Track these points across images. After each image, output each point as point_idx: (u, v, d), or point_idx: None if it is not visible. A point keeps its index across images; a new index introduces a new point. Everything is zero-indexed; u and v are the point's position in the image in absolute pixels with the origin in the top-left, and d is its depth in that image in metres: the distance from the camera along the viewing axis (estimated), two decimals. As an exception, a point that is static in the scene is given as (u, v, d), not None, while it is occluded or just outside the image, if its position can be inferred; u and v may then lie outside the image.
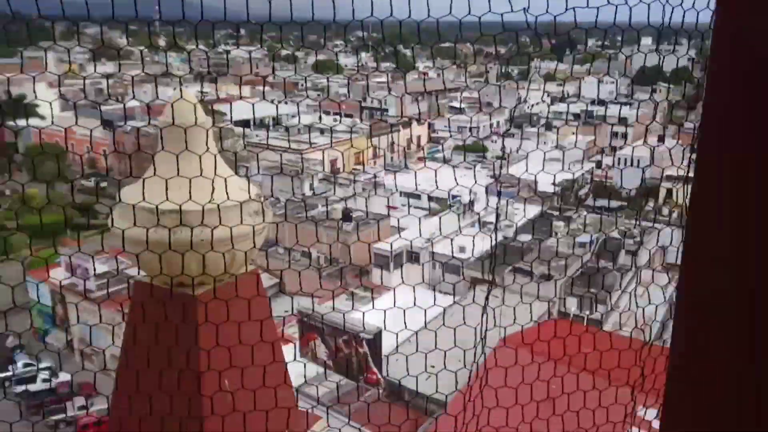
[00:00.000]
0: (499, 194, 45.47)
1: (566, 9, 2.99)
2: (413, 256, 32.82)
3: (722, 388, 1.37)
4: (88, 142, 69.80)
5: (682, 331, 1.49)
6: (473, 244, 33.34)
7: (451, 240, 32.99)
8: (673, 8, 3.04)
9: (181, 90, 3.37)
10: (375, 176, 53.19)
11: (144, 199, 3.05)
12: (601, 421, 3.77)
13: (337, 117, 79.57)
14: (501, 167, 55.43)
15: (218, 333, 3.15)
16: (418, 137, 76.13)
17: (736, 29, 1.31)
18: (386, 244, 32.79)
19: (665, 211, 46.33)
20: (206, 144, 3.24)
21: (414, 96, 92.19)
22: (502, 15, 3.08)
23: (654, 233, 33.71)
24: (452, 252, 31.47)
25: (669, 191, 48.72)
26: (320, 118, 76.79)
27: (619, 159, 57.94)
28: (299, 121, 74.70)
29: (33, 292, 36.24)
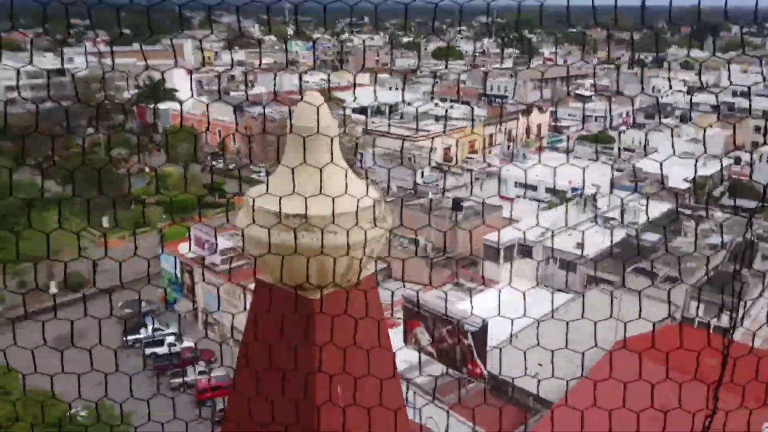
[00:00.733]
0: (624, 189, 43.15)
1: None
2: (526, 250, 31.96)
3: None
4: (219, 125, 74.59)
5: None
6: (592, 241, 31.90)
7: (569, 235, 31.75)
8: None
9: (300, 86, 3.42)
10: (489, 165, 52.31)
11: (268, 194, 3.14)
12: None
13: (454, 104, 79.02)
14: (628, 160, 52.55)
15: (334, 337, 3.20)
16: (539, 126, 73.71)
17: None
18: (497, 236, 32.17)
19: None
20: (331, 149, 3.25)
21: (537, 83, 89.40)
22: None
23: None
24: (569, 248, 30.29)
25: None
26: (436, 104, 76.64)
27: (761, 156, 52.79)
28: (415, 109, 74.91)
29: (165, 263, 39.48)
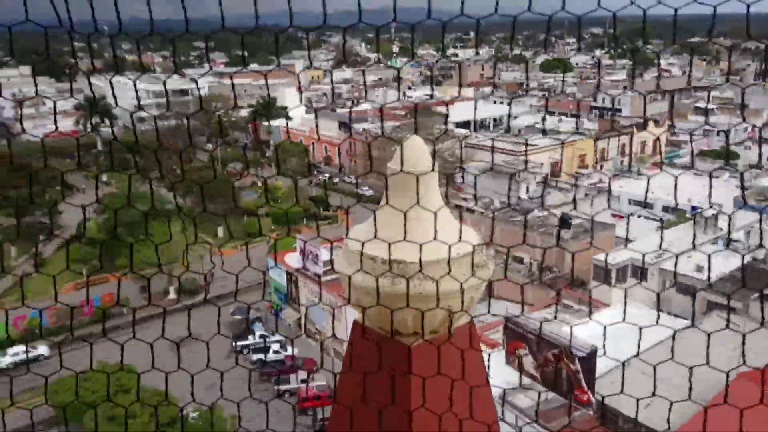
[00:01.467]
0: (750, 209, 39.73)
1: None
2: (640, 272, 30.19)
3: None
4: (326, 141, 77.14)
5: None
6: (714, 264, 29.60)
7: (688, 257, 29.67)
8: None
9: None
10: (601, 181, 50.10)
11: (365, 237, 3.10)
12: None
13: (563, 117, 76.67)
14: (754, 178, 48.43)
15: (430, 386, 3.12)
16: (655, 140, 69.79)
17: None
18: (609, 256, 30.65)
19: None
20: (432, 192, 3.19)
21: (652, 95, 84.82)
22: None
23: None
24: (688, 271, 28.29)
25: None
26: (543, 118, 74.73)
27: None
28: (520, 123, 73.45)
29: (273, 272, 41.18)
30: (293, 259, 39.63)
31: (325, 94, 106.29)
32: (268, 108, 76.98)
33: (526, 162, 56.71)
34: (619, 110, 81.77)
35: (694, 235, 34.42)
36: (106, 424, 23.40)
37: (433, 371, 3.11)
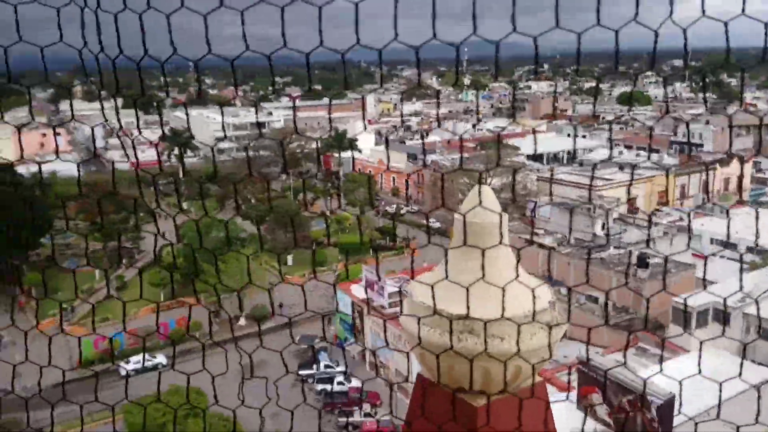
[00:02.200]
0: None
1: None
2: (722, 316, 28.42)
3: None
4: (394, 172, 77.82)
5: None
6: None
7: (775, 301, 27.70)
8: None
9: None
10: (681, 219, 47.88)
11: (431, 287, 2.95)
12: None
13: (641, 152, 74.21)
14: None
15: None
16: (739, 177, 66.31)
17: None
18: (689, 298, 29.05)
19: None
20: (501, 244, 3.03)
21: (736, 130, 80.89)
22: None
23: None
24: (775, 315, 26.37)
25: None
26: (620, 152, 72.57)
27: None
28: (595, 156, 71.61)
29: (339, 302, 41.48)
30: (358, 290, 39.83)
31: (394, 126, 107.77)
32: (339, 140, 78.73)
33: (601, 197, 55.07)
34: (701, 145, 78.39)
35: (762, 275, 32.17)
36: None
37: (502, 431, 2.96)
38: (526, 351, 2.91)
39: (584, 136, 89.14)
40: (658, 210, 56.04)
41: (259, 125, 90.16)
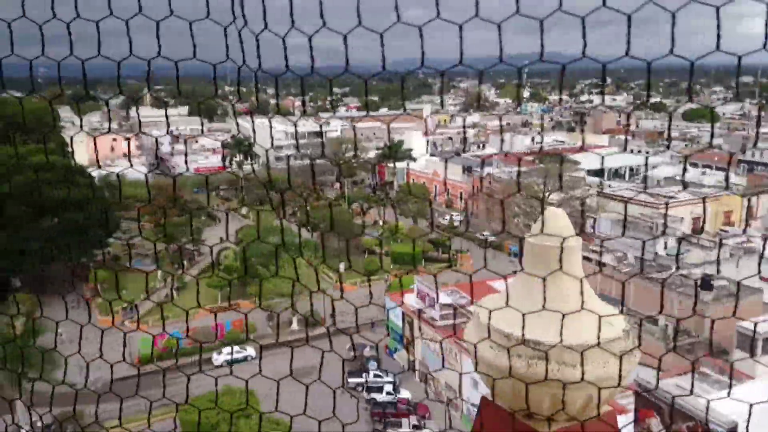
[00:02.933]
0: None
1: None
2: (793, 343, 26.90)
3: None
4: (449, 184, 77.50)
5: None
6: None
7: None
8: None
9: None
10: (748, 240, 45.64)
11: (500, 310, 2.93)
12: None
13: (707, 170, 71.34)
14: None
15: None
16: (813, 199, 62.76)
17: None
18: (756, 324, 27.65)
19: None
20: (574, 266, 2.96)
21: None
22: None
23: None
24: None
25: None
26: (685, 169, 69.91)
27: None
28: (659, 173, 69.28)
29: (390, 312, 41.46)
30: (410, 300, 39.73)
31: (450, 138, 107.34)
32: (394, 150, 79.11)
33: (665, 216, 53.16)
34: (772, 164, 74.72)
35: None
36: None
37: None
38: (598, 379, 2.82)
39: (648, 153, 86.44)
40: (723, 230, 53.68)
41: (320, 134, 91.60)
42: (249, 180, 75.81)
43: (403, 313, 40.31)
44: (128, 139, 58.40)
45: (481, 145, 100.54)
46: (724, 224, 57.51)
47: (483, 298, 3.20)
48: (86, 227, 47.67)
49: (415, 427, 33.22)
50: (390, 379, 37.99)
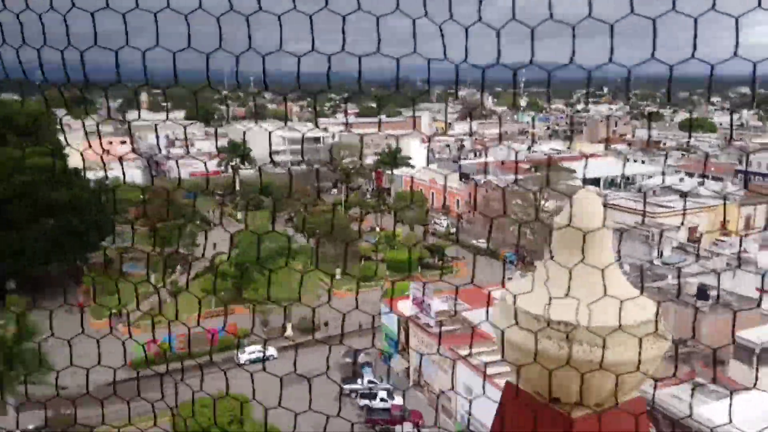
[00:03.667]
0: None
1: None
2: (788, 353, 26.95)
3: None
4: (447, 191, 77.61)
5: None
6: None
7: None
8: None
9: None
10: (745, 251, 45.77)
11: (531, 293, 2.89)
12: None
13: (704, 179, 71.61)
14: None
15: None
16: (808, 210, 63.02)
17: None
18: (752, 334, 27.71)
19: None
20: (605, 251, 2.94)
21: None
22: None
23: None
24: None
25: None
26: (681, 179, 70.24)
27: None
28: (654, 182, 69.51)
29: (385, 318, 41.39)
30: (406, 307, 39.66)
31: (447, 145, 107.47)
32: (392, 157, 79.19)
33: (660, 224, 53.28)
34: (767, 175, 75.12)
35: None
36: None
37: None
38: (631, 362, 2.78)
39: (643, 162, 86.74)
40: (720, 240, 53.80)
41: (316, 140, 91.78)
42: (245, 184, 75.79)
43: (398, 320, 40.24)
44: (124, 143, 58.38)
45: (478, 153, 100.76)
46: (721, 234, 57.64)
47: (509, 283, 3.16)
48: (82, 230, 47.52)
49: (409, 433, 33.13)
50: (385, 385, 37.89)
